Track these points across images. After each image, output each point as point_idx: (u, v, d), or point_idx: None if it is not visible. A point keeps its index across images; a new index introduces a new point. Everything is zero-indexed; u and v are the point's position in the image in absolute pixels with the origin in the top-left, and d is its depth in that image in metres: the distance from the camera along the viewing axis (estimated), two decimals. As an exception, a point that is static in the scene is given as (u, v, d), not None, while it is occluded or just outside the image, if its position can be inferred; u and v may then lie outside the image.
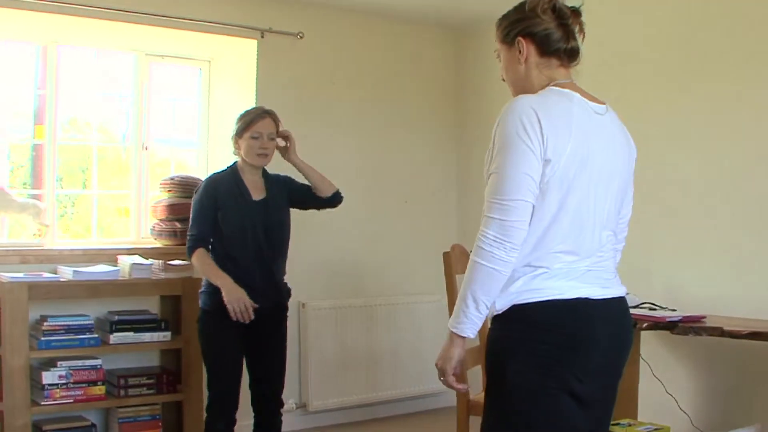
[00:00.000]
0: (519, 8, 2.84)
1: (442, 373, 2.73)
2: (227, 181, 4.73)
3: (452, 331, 2.67)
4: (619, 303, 2.80)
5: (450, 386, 2.76)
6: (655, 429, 4.90)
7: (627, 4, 5.91)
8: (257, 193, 4.76)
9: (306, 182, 4.96)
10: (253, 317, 4.49)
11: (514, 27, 2.81)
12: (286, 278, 4.90)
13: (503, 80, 2.94)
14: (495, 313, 2.68)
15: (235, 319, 4.46)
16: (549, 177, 2.58)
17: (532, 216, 2.60)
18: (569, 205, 2.62)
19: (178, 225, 5.74)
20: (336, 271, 6.58)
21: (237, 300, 4.46)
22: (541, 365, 2.61)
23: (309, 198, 4.95)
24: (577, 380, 2.63)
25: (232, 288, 4.49)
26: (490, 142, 2.67)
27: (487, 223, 2.58)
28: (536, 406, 2.63)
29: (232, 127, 4.79)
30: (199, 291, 4.79)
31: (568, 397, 2.64)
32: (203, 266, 4.63)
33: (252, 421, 4.87)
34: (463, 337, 2.66)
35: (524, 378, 2.63)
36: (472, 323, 2.62)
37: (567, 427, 2.67)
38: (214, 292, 4.62)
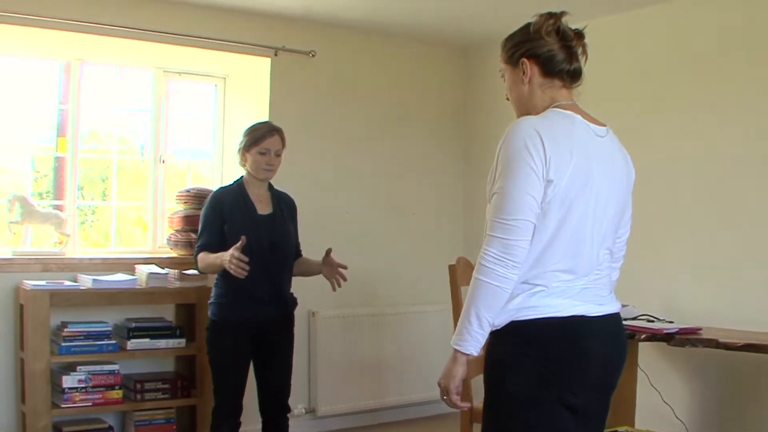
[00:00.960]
0: (524, 30, 2.86)
1: (445, 392, 2.75)
2: (233, 195, 4.78)
3: (456, 349, 2.67)
4: (613, 319, 2.81)
5: (453, 405, 2.77)
6: (652, 437, 5.06)
7: (628, 25, 6.00)
8: (263, 207, 4.81)
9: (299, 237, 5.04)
10: (248, 269, 4.46)
11: (519, 48, 2.83)
12: (297, 288, 4.96)
13: (507, 99, 2.95)
14: (494, 329, 2.68)
15: (237, 275, 4.45)
16: (550, 197, 2.61)
17: (532, 234, 2.62)
18: (568, 225, 2.65)
19: (193, 236, 5.69)
20: (345, 281, 6.59)
21: (230, 257, 4.43)
22: (537, 379, 2.64)
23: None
24: (572, 394, 2.67)
25: (224, 254, 4.49)
26: (494, 161, 2.69)
27: (489, 242, 2.61)
28: (533, 418, 2.66)
29: (238, 140, 4.86)
30: (209, 302, 4.84)
31: (563, 410, 2.67)
32: (206, 262, 4.66)
33: (260, 425, 4.93)
34: (467, 355, 2.67)
35: (521, 392, 2.66)
36: (475, 341, 2.63)
37: None
38: (222, 303, 4.73)
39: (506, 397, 2.71)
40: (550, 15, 2.82)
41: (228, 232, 4.67)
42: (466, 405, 2.83)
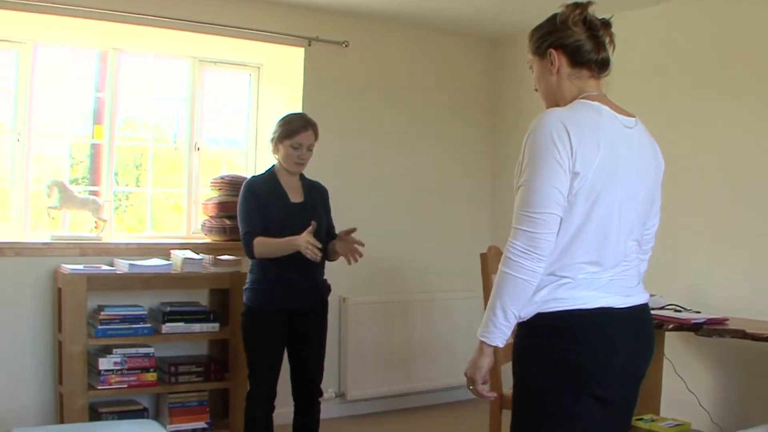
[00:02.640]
0: (550, 20, 2.84)
1: (471, 382, 2.75)
2: (266, 184, 4.81)
3: (482, 341, 2.68)
4: (641, 311, 2.80)
5: (479, 395, 2.78)
6: (677, 425, 5.04)
7: (658, 17, 6.02)
8: (295, 196, 4.83)
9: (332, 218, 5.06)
10: (319, 252, 4.50)
11: (546, 39, 2.82)
12: (329, 275, 4.99)
13: (536, 90, 2.93)
14: (520, 321, 2.68)
15: (312, 259, 4.48)
16: (577, 189, 2.59)
17: (558, 227, 2.62)
18: (594, 217, 2.63)
19: (227, 222, 5.90)
20: (376, 269, 6.65)
21: (305, 244, 4.46)
22: (564, 371, 2.64)
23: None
24: (599, 385, 2.67)
25: (296, 238, 4.51)
26: (520, 154, 2.67)
27: (515, 235, 2.61)
28: (560, 409, 2.66)
29: (272, 129, 4.90)
30: (244, 288, 4.87)
31: (590, 400, 2.67)
32: (270, 246, 4.63)
33: (292, 408, 4.97)
34: (492, 346, 2.67)
35: (548, 383, 2.66)
36: (501, 332, 2.63)
37: (591, 426, 2.70)
38: (257, 289, 4.76)
39: (533, 387, 2.73)
40: (577, 5, 2.80)
41: (263, 220, 4.71)
42: (492, 395, 2.86)
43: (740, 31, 5.54)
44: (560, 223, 2.63)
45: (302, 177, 4.95)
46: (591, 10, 2.81)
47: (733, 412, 5.44)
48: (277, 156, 4.86)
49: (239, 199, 4.83)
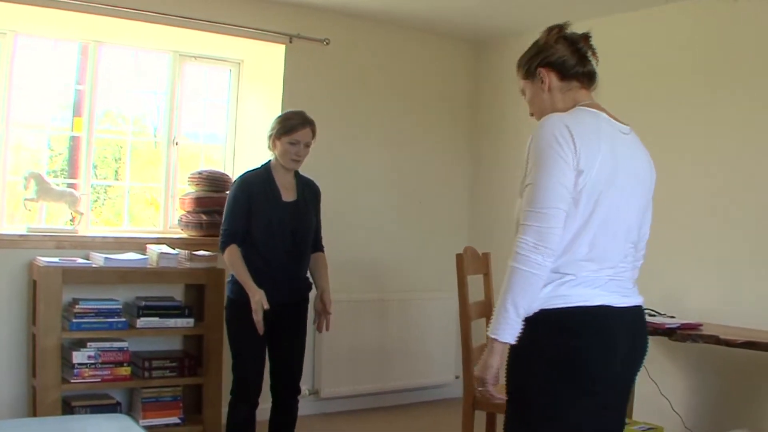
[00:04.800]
0: (534, 45, 2.98)
1: (481, 383, 2.75)
2: (260, 180, 4.80)
3: (493, 339, 2.68)
4: (638, 312, 2.89)
5: (489, 396, 2.78)
6: (649, 428, 5.04)
7: (637, 28, 6.05)
8: (288, 194, 4.84)
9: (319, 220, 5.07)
10: (261, 332, 4.63)
11: (533, 60, 2.93)
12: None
13: (532, 116, 3.01)
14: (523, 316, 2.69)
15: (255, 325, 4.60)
16: (581, 187, 2.66)
17: (564, 223, 2.66)
18: (597, 216, 2.70)
19: (204, 217, 5.90)
20: (353, 267, 6.68)
21: (256, 309, 4.57)
22: (565, 367, 2.69)
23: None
24: (595, 382, 2.71)
25: (254, 293, 4.60)
26: (524, 160, 2.74)
27: (524, 231, 2.64)
28: (557, 405, 2.70)
29: (269, 125, 4.86)
30: (227, 280, 4.88)
31: (588, 398, 2.72)
32: (234, 265, 4.70)
33: (270, 405, 4.97)
34: (504, 344, 2.68)
35: (548, 378, 2.70)
36: (512, 328, 2.64)
37: (586, 426, 2.75)
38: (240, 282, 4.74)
39: (531, 383, 2.77)
40: (554, 27, 2.94)
41: (252, 216, 4.73)
42: (502, 396, 2.84)
43: (720, 43, 5.57)
44: (565, 220, 2.67)
45: (297, 174, 4.95)
46: (569, 29, 2.94)
47: (705, 417, 5.48)
48: (274, 152, 4.85)
49: (230, 193, 4.85)
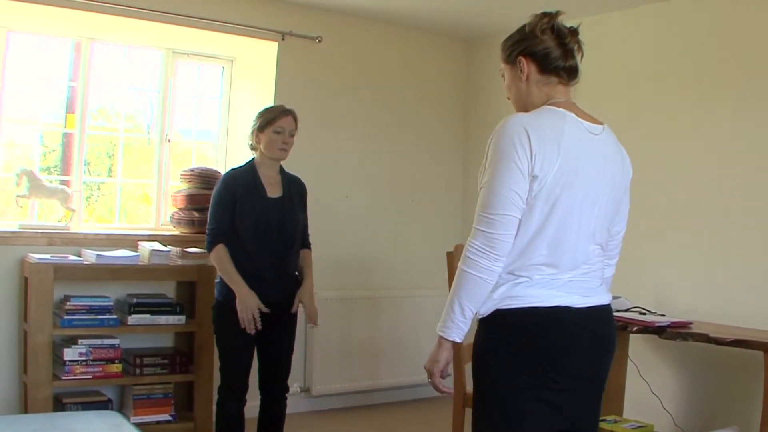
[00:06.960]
0: (520, 30, 2.91)
1: (429, 375, 2.83)
2: (245, 177, 4.77)
3: (440, 335, 2.76)
4: (601, 311, 2.84)
5: (437, 388, 2.84)
6: (640, 426, 5.07)
7: (625, 25, 6.06)
8: (273, 191, 4.81)
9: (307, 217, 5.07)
10: (260, 327, 4.64)
11: (516, 47, 2.88)
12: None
13: (508, 99, 2.99)
14: (479, 317, 2.75)
15: (242, 327, 4.61)
16: (536, 192, 2.65)
17: (518, 228, 2.67)
18: (553, 220, 2.68)
19: (196, 214, 5.90)
20: (344, 264, 6.71)
21: (248, 310, 4.59)
22: (520, 366, 2.69)
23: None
24: (555, 382, 2.70)
25: (245, 296, 4.61)
26: (484, 156, 2.78)
27: (474, 235, 2.68)
28: (515, 403, 2.71)
29: (251, 124, 4.85)
30: (216, 281, 4.86)
31: (546, 396, 2.71)
32: (221, 266, 4.70)
33: (258, 402, 4.97)
34: (450, 341, 2.75)
35: (505, 378, 2.71)
36: (458, 328, 2.71)
37: (544, 424, 2.74)
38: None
39: (490, 383, 2.78)
40: (545, 14, 2.88)
41: (237, 213, 4.71)
42: (449, 389, 2.89)
43: (712, 42, 5.58)
44: (519, 225, 2.68)
45: (282, 171, 4.94)
46: (560, 19, 2.88)
47: (695, 415, 5.50)
48: (258, 147, 4.83)
49: (214, 192, 4.83)
